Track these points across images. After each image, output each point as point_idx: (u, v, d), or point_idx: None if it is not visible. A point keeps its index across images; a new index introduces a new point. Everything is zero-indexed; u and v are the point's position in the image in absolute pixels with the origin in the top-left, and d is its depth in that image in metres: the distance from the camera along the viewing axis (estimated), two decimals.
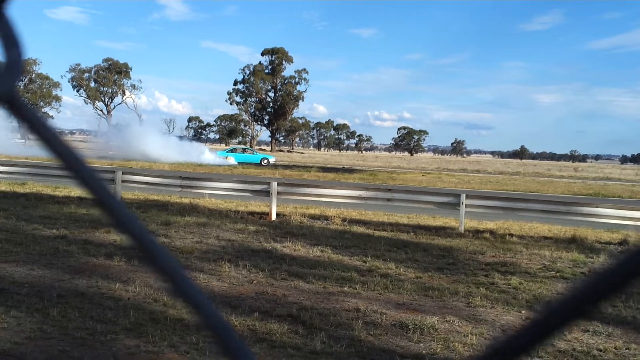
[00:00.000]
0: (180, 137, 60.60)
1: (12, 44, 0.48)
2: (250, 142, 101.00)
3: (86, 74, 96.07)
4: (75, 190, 15.53)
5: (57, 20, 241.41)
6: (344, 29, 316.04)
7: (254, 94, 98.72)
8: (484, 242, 11.19)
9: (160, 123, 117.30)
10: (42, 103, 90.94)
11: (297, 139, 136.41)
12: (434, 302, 6.96)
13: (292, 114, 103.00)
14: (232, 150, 49.46)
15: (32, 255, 8.08)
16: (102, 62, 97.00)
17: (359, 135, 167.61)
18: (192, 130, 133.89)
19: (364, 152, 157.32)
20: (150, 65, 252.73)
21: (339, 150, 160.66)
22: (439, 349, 5.32)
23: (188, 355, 4.80)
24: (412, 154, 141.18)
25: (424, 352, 5.25)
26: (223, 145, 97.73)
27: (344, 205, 14.30)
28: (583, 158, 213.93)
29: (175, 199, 15.24)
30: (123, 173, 14.65)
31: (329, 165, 49.97)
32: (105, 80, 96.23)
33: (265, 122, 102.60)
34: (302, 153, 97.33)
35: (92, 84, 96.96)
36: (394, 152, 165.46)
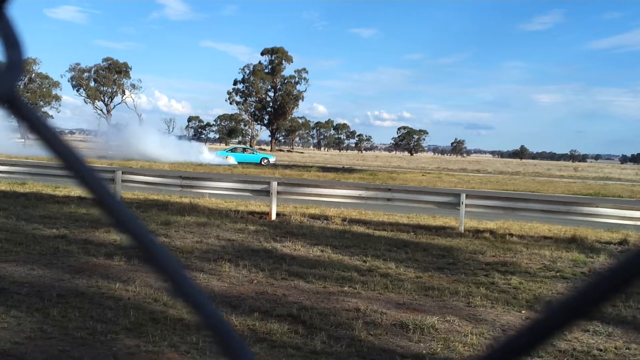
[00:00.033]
0: (179, 137, 60.55)
1: (13, 44, 0.48)
2: (250, 142, 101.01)
3: (86, 74, 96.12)
4: (75, 190, 15.53)
5: (56, 19, 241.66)
6: (343, 28, 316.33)
7: (254, 93, 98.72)
8: (484, 241, 11.19)
9: (160, 123, 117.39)
10: (41, 102, 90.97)
11: (297, 139, 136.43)
12: (434, 301, 6.96)
13: (292, 114, 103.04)
14: (233, 150, 49.44)
15: (32, 255, 8.08)
16: (102, 62, 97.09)
17: (358, 135, 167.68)
18: (192, 130, 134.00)
19: (363, 151, 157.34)
20: (150, 64, 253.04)
21: (339, 150, 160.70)
22: (439, 349, 5.32)
23: (188, 355, 4.80)
24: (412, 154, 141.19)
25: (424, 352, 5.24)
26: (223, 145, 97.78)
27: (344, 205, 14.29)
28: (583, 158, 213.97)
29: (175, 198, 15.24)
30: (123, 173, 14.64)
31: (329, 165, 49.97)
32: (105, 80, 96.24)
33: (265, 121, 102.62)
34: (302, 153, 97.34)
35: (92, 84, 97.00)
36: (394, 152, 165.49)
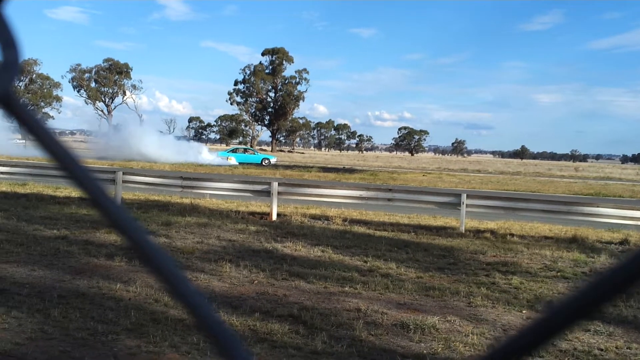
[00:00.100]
0: (178, 137, 60.46)
1: (9, 43, 0.48)
2: (251, 142, 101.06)
3: (87, 74, 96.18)
4: (75, 191, 15.51)
5: (57, 20, 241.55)
6: (343, 28, 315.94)
7: (255, 94, 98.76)
8: (485, 242, 11.18)
9: (161, 123, 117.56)
10: (42, 103, 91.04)
11: (297, 139, 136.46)
12: (435, 302, 6.96)
13: (292, 114, 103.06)
14: (234, 151, 49.47)
15: (33, 256, 8.09)
16: (103, 62, 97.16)
17: (359, 135, 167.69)
18: (193, 131, 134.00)
19: (364, 152, 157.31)
20: (150, 65, 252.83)
21: (340, 150, 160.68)
22: (440, 349, 5.31)
23: (189, 355, 4.80)
24: (412, 154, 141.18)
25: (425, 352, 5.24)
26: (224, 146, 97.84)
27: (344, 205, 14.29)
28: (584, 158, 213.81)
29: (176, 199, 15.25)
30: (124, 173, 14.65)
31: (329, 166, 49.98)
32: (105, 81, 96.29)
33: (266, 122, 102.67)
34: (302, 153, 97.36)
35: (93, 84, 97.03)
36: (395, 152, 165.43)
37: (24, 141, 53.23)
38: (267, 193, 13.42)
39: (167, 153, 42.49)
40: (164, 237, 9.98)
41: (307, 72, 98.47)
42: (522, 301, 7.08)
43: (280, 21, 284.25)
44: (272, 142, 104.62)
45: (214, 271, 7.83)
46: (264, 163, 45.97)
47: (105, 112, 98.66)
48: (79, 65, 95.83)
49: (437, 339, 5.60)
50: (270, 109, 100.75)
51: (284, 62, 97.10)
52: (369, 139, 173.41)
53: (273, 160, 48.20)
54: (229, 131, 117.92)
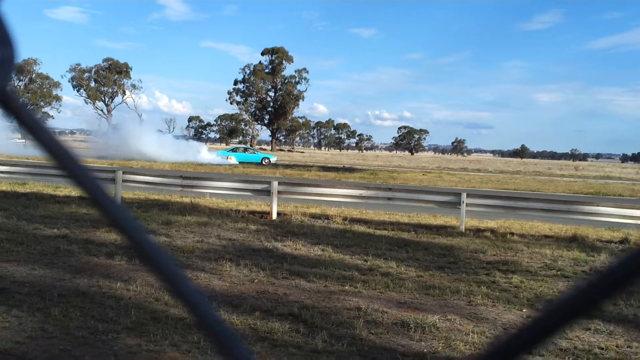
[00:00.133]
0: (176, 136, 60.32)
1: (4, 41, 0.48)
2: (251, 142, 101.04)
3: (86, 74, 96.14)
4: (75, 190, 15.50)
5: (56, 20, 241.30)
6: (343, 28, 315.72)
7: (255, 93, 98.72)
8: (485, 240, 11.18)
9: (161, 123, 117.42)
10: (42, 103, 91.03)
11: (297, 139, 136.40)
12: (435, 300, 6.96)
13: (292, 114, 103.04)
14: (234, 150, 49.45)
15: (33, 255, 8.09)
16: (103, 62, 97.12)
17: (359, 135, 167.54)
18: (193, 130, 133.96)
19: (364, 151, 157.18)
20: (150, 65, 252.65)
21: (340, 149, 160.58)
22: (440, 348, 5.32)
23: (189, 354, 4.80)
24: (412, 153, 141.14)
25: (425, 350, 5.24)
26: (224, 145, 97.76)
27: (344, 204, 14.29)
28: (584, 157, 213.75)
29: (176, 198, 15.24)
30: (124, 173, 14.64)
31: (329, 165, 49.96)
32: (105, 80, 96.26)
33: (266, 121, 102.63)
34: (302, 152, 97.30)
35: (93, 84, 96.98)
36: (395, 152, 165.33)
37: (23, 140, 53.23)
38: (267, 192, 13.42)
39: (165, 152, 42.37)
40: (164, 236, 9.98)
41: (307, 72, 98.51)
42: (523, 300, 7.09)
43: (280, 21, 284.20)
44: (272, 141, 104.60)
45: (214, 270, 7.83)
46: (263, 162, 45.96)
47: (105, 112, 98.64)
48: (78, 64, 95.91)
49: (438, 337, 5.60)
50: (270, 109, 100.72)
51: (284, 61, 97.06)
52: (369, 138, 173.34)
53: (273, 159, 48.16)
54: (228, 130, 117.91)
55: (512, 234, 11.99)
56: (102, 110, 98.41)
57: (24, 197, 14.41)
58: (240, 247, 9.52)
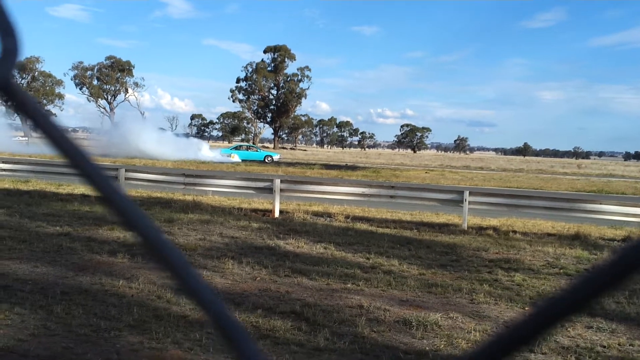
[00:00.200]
0: (177, 134, 60.26)
1: (9, 32, 0.48)
2: (253, 140, 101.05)
3: (89, 72, 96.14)
4: (78, 188, 15.56)
5: (58, 17, 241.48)
6: (345, 26, 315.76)
7: (257, 91, 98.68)
8: (488, 238, 11.17)
9: (163, 121, 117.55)
10: (45, 101, 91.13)
11: (300, 137, 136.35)
12: (437, 298, 6.96)
13: (294, 112, 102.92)
14: (237, 148, 49.44)
15: (35, 253, 8.10)
16: (105, 60, 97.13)
17: (361, 133, 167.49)
18: (195, 128, 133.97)
19: (366, 149, 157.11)
20: (152, 63, 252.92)
21: (342, 147, 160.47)
22: (442, 346, 5.31)
23: (192, 351, 4.81)
24: (415, 151, 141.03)
25: (427, 348, 5.24)
26: (226, 143, 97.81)
27: (347, 202, 14.29)
28: (586, 155, 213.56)
29: (179, 196, 15.25)
30: (126, 170, 14.66)
31: (332, 163, 49.97)
32: (108, 78, 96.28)
33: (268, 119, 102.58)
34: (305, 150, 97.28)
35: (95, 82, 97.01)
36: (397, 150, 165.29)
37: (26, 138, 53.32)
38: (270, 190, 13.42)
39: (166, 149, 42.26)
40: (166, 234, 9.95)
41: (309, 70, 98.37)
42: (525, 298, 7.08)
43: (282, 19, 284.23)
44: (274, 139, 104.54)
45: (217, 268, 7.84)
46: (266, 160, 45.94)
47: (108, 110, 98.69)
48: (81, 63, 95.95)
49: (440, 335, 5.60)
50: (272, 107, 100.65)
51: (286, 59, 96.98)
52: (371, 136, 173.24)
53: (276, 157, 48.09)
54: (231, 128, 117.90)
55: (515, 232, 11.98)
56: (104, 109, 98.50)
57: (27, 194, 14.43)
58: (243, 244, 9.52)
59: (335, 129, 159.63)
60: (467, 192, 12.68)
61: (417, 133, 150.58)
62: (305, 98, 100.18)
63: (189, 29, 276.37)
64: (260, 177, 14.80)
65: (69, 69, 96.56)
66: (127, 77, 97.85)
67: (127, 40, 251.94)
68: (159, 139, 45.52)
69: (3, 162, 16.21)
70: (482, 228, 12.25)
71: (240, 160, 43.52)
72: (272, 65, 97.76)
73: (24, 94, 0.48)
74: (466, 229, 12.11)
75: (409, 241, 10.49)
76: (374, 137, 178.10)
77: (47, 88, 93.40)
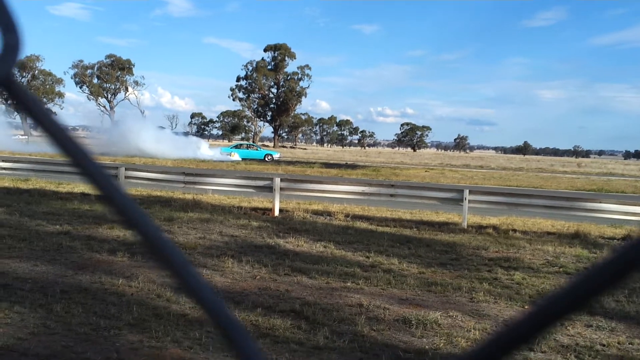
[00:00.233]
0: (176, 133, 60.16)
1: (10, 28, 0.47)
2: (253, 138, 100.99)
3: (89, 71, 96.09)
4: (78, 186, 15.56)
5: (59, 16, 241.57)
6: (345, 25, 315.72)
7: (257, 90, 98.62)
8: (487, 237, 11.17)
9: (163, 119, 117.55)
10: (45, 99, 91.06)
11: (300, 135, 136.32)
12: (437, 297, 6.96)
13: (294, 110, 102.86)
14: (237, 147, 49.46)
15: (35, 251, 8.10)
16: (105, 59, 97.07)
17: (361, 131, 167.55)
18: (195, 127, 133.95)
19: (366, 148, 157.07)
20: (152, 61, 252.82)
21: (342, 146, 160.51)
22: (442, 344, 5.31)
23: (191, 350, 4.81)
24: (415, 150, 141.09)
25: (427, 347, 5.24)
26: (226, 142, 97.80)
27: (347, 201, 14.29)
28: (586, 154, 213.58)
29: (179, 194, 15.25)
30: (126, 169, 14.66)
31: (331, 161, 49.98)
32: (108, 77, 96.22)
33: (268, 118, 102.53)
34: (305, 149, 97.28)
35: (95, 81, 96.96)
36: (397, 148, 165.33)
37: (26, 137, 53.33)
38: (270, 189, 13.42)
39: (164, 148, 42.20)
40: (166, 233, 9.96)
41: (310, 68, 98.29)
42: (525, 297, 7.08)
43: (282, 18, 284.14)
44: (274, 138, 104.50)
45: (216, 266, 7.84)
46: (266, 159, 45.94)
47: (108, 108, 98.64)
48: (81, 61, 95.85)
49: (439, 334, 5.60)
50: (272, 105, 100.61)
51: (286, 58, 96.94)
52: (371, 135, 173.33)
53: (276, 155, 48.09)
54: (231, 127, 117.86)
55: (515, 230, 11.98)
56: (104, 107, 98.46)
57: (27, 193, 14.43)
58: (243, 243, 9.52)
59: (335, 128, 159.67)
60: (467, 190, 12.68)
61: (417, 132, 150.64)
62: (306, 97, 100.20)
63: (189, 27, 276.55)
64: (260, 175, 14.80)
65: (69, 68, 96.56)
66: (127, 76, 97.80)
67: (128, 38, 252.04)
68: (158, 137, 45.41)
69: (3, 161, 16.21)
70: (481, 227, 12.26)
71: (240, 159, 43.53)
72: (273, 63, 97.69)
73: (25, 91, 0.48)
74: (466, 227, 12.11)
75: (409, 240, 10.49)
76: (374, 136, 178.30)
77: (47, 86, 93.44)
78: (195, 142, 47.94)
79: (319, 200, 14.81)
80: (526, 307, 6.70)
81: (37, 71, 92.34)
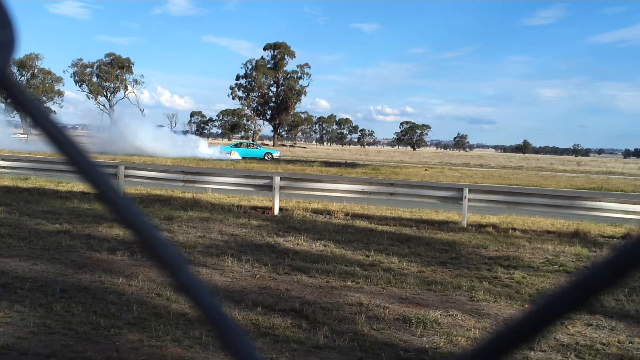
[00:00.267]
0: (175, 131, 60.05)
1: (5, 24, 0.47)
2: (253, 137, 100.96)
3: (88, 69, 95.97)
4: (78, 185, 15.55)
5: (58, 14, 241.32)
6: (345, 23, 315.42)
7: (257, 88, 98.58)
8: (487, 236, 11.17)
9: (163, 118, 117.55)
10: (44, 98, 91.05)
11: (299, 134, 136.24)
12: (437, 296, 6.96)
13: (294, 109, 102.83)
14: (237, 145, 49.45)
15: (35, 250, 8.10)
16: (105, 57, 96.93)
17: (361, 130, 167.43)
18: (195, 125, 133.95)
19: (366, 146, 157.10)
20: (152, 60, 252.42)
21: (342, 144, 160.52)
22: (442, 343, 5.32)
23: (191, 349, 4.81)
24: (414, 149, 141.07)
25: (426, 346, 5.24)
26: (226, 140, 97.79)
27: (346, 199, 14.29)
28: (586, 152, 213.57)
29: (178, 193, 15.25)
30: (126, 168, 14.65)
31: (331, 160, 49.97)
32: (107, 75, 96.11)
33: (268, 116, 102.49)
34: (304, 148, 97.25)
35: (95, 79, 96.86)
36: (397, 147, 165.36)
37: (25, 136, 53.31)
38: (269, 187, 13.42)
39: (162, 146, 42.11)
40: (166, 232, 9.98)
41: (309, 67, 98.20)
42: (524, 295, 7.09)
43: (281, 16, 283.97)
44: (274, 136, 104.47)
45: (216, 265, 7.84)
46: (266, 157, 45.92)
47: (107, 107, 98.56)
48: (80, 60, 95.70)
49: (439, 333, 5.60)
50: (272, 104, 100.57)
51: (286, 56, 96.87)
52: (371, 134, 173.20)
53: (276, 154, 48.06)
54: (230, 126, 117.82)
55: (514, 229, 11.98)
56: (104, 106, 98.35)
57: (26, 192, 14.43)
58: (242, 242, 9.52)
59: (334, 127, 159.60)
60: (467, 189, 12.68)
61: (417, 130, 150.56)
62: (305, 95, 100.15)
63: (188, 25, 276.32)
64: (259, 174, 14.80)
65: (69, 66, 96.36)
66: (126, 74, 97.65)
67: (127, 37, 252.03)
68: (156, 136, 45.27)
69: (2, 160, 16.21)
70: (481, 225, 12.26)
71: (240, 157, 43.51)
72: (272, 62, 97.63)
73: (21, 88, 0.48)
74: (466, 226, 12.11)
75: (409, 239, 10.49)
76: (374, 135, 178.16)
77: (47, 85, 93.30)
78: (193, 140, 47.86)
79: (319, 199, 14.81)
80: (526, 306, 6.70)
81: (36, 70, 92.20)
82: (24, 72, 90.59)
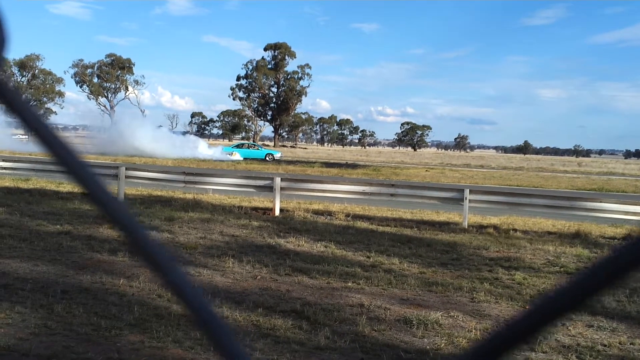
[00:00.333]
0: (174, 132, 60.01)
1: None
2: (254, 138, 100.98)
3: (89, 70, 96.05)
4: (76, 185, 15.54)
5: (59, 15, 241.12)
6: (346, 23, 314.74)
7: (257, 89, 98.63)
8: (488, 237, 11.17)
9: (164, 119, 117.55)
10: (45, 99, 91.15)
11: (300, 135, 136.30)
12: (437, 297, 6.95)
13: (295, 109, 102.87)
14: (238, 146, 49.48)
15: (36, 251, 8.10)
16: (105, 58, 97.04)
17: (362, 131, 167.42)
18: (196, 126, 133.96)
19: (367, 147, 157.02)
20: (152, 60, 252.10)
21: (342, 145, 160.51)
22: (443, 344, 5.31)
23: (192, 350, 4.80)
24: (415, 149, 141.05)
25: (427, 347, 5.24)
26: (226, 141, 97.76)
27: (347, 200, 14.29)
28: (587, 153, 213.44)
29: (179, 194, 15.25)
30: (126, 169, 14.65)
31: (332, 161, 49.97)
32: (108, 76, 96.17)
33: (269, 117, 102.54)
34: (305, 148, 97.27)
35: (95, 80, 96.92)
36: (397, 148, 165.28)
37: (26, 137, 53.32)
38: (270, 188, 13.42)
39: (162, 147, 42.09)
40: (166, 233, 9.98)
41: (310, 67, 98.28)
42: (525, 297, 7.08)
43: (282, 16, 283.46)
44: (274, 137, 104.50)
45: (217, 266, 7.84)
46: (267, 158, 45.94)
47: (108, 108, 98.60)
48: (81, 60, 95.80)
49: (440, 334, 5.60)
50: (272, 104, 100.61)
51: (287, 57, 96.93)
52: (372, 134, 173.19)
53: (277, 155, 48.07)
54: (231, 126, 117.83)
55: (515, 230, 11.98)
56: (104, 106, 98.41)
57: (27, 193, 14.43)
58: (243, 243, 9.52)
59: (335, 127, 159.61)
60: (468, 190, 12.68)
61: (418, 131, 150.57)
62: (306, 96, 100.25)
63: (188, 26, 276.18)
64: (260, 175, 14.80)
65: (69, 67, 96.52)
66: (127, 75, 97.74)
67: (127, 37, 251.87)
68: (155, 136, 45.22)
69: (3, 161, 16.21)
70: (482, 226, 12.26)
71: (241, 158, 43.52)
72: (273, 62, 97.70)
73: (11, 89, 0.47)
74: (467, 227, 12.10)
75: (410, 240, 10.49)
76: (375, 135, 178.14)
77: (47, 86, 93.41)
78: (192, 141, 47.83)
79: (320, 200, 14.81)
80: (527, 307, 6.69)
81: (37, 70, 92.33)
82: (24, 73, 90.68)
